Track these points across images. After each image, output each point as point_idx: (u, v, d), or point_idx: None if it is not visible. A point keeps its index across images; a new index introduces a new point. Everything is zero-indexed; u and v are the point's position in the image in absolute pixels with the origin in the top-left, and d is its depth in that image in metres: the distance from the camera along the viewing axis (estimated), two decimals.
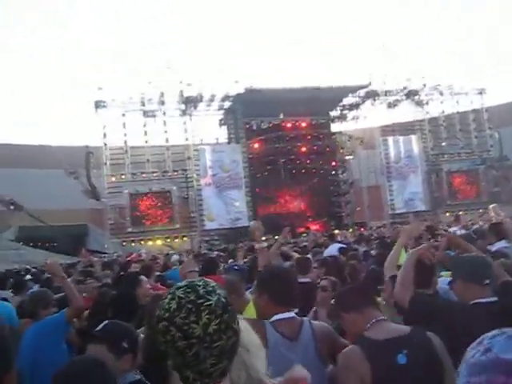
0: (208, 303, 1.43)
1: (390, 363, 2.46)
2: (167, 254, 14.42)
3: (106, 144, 28.25)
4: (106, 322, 2.88)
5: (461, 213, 30.46)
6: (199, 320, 1.41)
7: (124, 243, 27.66)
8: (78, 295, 4.27)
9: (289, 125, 30.85)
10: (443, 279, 4.20)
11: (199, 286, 1.47)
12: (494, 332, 1.15)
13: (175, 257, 13.12)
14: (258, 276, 3.35)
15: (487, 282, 3.08)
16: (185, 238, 28.77)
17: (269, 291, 3.07)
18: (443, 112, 33.96)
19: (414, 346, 2.54)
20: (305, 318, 3.10)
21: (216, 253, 13.85)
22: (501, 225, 6.69)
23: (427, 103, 33.63)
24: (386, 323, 2.72)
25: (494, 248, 6.23)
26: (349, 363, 2.53)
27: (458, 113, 34.04)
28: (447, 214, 31.20)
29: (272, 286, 3.08)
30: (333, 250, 8.63)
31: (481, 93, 34.07)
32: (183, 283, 1.48)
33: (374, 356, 2.48)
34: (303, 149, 31.89)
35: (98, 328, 2.82)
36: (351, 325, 2.77)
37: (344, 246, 9.34)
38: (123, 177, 28.47)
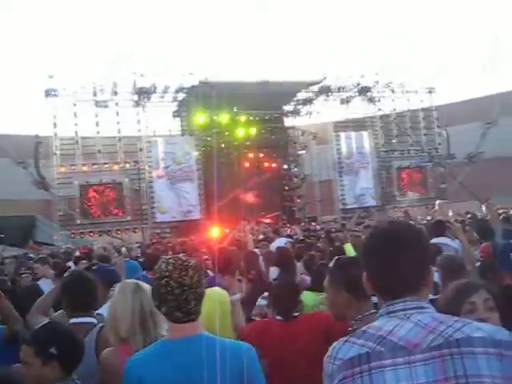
0: (190, 264, 2.36)
1: None
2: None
3: (56, 134, 27.64)
4: (44, 323, 2.85)
5: (412, 208, 31.26)
6: (187, 274, 2.30)
7: (73, 235, 27.23)
8: (17, 315, 3.98)
9: (242, 118, 30.85)
10: None
11: (179, 257, 2.43)
12: (334, 344, 1.64)
13: (123, 249, 13.02)
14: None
15: None
16: (136, 231, 28.53)
17: (68, 296, 3.60)
18: (394, 109, 34.54)
19: None
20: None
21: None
22: (441, 222, 6.96)
23: (379, 100, 34.09)
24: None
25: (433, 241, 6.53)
26: None
27: (408, 110, 34.68)
28: (396, 210, 31.90)
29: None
30: (278, 243, 8.80)
31: (430, 92, 34.81)
32: (165, 258, 2.41)
33: None
34: (256, 143, 32.00)
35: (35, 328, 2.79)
36: (343, 304, 2.78)
37: (289, 240, 9.53)
38: (73, 167, 27.92)
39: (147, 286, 2.90)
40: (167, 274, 2.28)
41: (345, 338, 1.61)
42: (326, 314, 3.53)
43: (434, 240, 6.75)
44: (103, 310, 3.84)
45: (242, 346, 2.44)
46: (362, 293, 2.66)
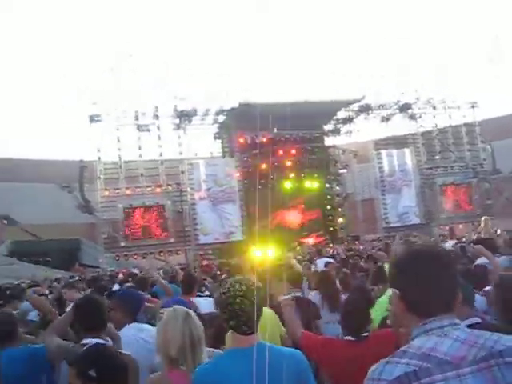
0: (258, 286, 2.77)
1: None
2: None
3: (99, 158, 28.20)
4: (89, 345, 2.92)
5: (457, 226, 30.66)
6: (258, 295, 2.68)
7: (117, 258, 27.59)
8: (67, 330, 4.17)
9: (283, 139, 30.89)
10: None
11: (248, 279, 2.84)
12: (375, 366, 1.66)
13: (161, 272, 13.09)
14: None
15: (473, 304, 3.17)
16: (179, 252, 28.71)
17: (79, 318, 3.91)
18: (436, 125, 34.09)
19: None
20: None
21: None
22: (484, 240, 6.78)
23: (420, 117, 33.75)
24: None
25: (478, 262, 6.35)
26: None
27: (450, 126, 34.16)
28: (441, 227, 31.33)
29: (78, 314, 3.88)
30: (320, 264, 8.77)
31: (473, 106, 34.19)
32: (236, 279, 2.82)
33: None
34: (297, 163, 31.96)
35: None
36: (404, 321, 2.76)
37: (330, 260, 9.47)
38: (117, 191, 28.39)
39: (194, 315, 3.17)
40: (242, 293, 2.68)
41: (385, 360, 1.65)
42: (392, 331, 3.52)
43: (479, 260, 6.57)
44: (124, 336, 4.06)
45: (296, 353, 2.87)
46: (424, 312, 2.67)
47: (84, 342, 3.59)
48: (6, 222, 30.79)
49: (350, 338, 3.74)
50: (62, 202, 29.56)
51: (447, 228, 29.22)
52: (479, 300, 4.47)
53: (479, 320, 3.10)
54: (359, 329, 3.74)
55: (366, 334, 3.72)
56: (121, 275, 15.70)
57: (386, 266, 5.72)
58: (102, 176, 28.26)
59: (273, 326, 4.69)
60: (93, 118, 27.92)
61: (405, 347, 1.67)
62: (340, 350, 3.68)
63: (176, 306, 3.28)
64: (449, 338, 1.63)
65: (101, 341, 3.56)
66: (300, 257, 15.65)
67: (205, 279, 8.85)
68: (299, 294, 6.13)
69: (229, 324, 2.72)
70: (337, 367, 3.61)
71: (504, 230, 16.28)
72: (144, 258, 27.46)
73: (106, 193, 28.29)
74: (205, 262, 23.01)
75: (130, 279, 10.35)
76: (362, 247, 21.16)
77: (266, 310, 4.69)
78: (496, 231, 16.12)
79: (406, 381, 1.55)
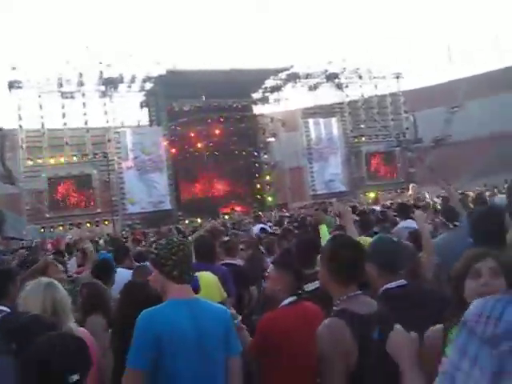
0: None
1: (369, 339, 2.36)
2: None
3: (21, 126, 27.17)
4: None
5: (379, 193, 31.65)
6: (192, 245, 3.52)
7: (43, 229, 26.85)
8: None
9: (211, 107, 30.71)
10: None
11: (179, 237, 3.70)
12: (489, 302, 1.29)
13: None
14: None
15: (401, 272, 3.12)
16: (106, 222, 28.25)
17: None
18: (362, 95, 34.79)
19: (385, 322, 2.39)
20: None
21: None
22: (407, 205, 7.03)
23: (347, 86, 34.31)
24: (363, 297, 2.60)
25: (400, 225, 6.61)
26: (337, 339, 2.36)
27: (376, 96, 34.94)
28: (366, 194, 32.23)
29: None
30: (256, 230, 8.87)
31: (397, 77, 35.12)
32: (170, 237, 3.10)
33: (359, 331, 2.35)
34: (225, 131, 31.91)
35: None
36: (330, 281, 2.62)
37: (264, 226, 9.57)
38: (40, 160, 27.53)
39: (58, 284, 3.23)
40: (184, 243, 2.93)
41: (505, 298, 1.29)
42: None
43: (402, 224, 6.82)
44: None
45: (224, 308, 3.09)
46: (349, 278, 2.58)
47: None
48: None
49: (290, 299, 3.40)
50: None
51: (372, 195, 30.09)
52: None
53: (405, 282, 3.09)
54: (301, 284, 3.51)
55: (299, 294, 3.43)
56: (49, 245, 15.38)
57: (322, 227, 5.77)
58: (24, 145, 27.28)
59: (213, 291, 4.69)
60: (12, 84, 26.80)
61: None
62: (284, 318, 3.34)
63: (40, 278, 3.37)
64: None
65: (3, 308, 3.59)
66: (229, 225, 15.71)
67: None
68: (235, 262, 6.17)
69: (172, 274, 2.82)
70: (283, 338, 3.26)
71: (431, 198, 16.70)
72: (71, 229, 26.87)
73: (29, 162, 27.39)
74: (138, 236, 22.75)
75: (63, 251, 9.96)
76: (288, 214, 21.44)
77: (208, 275, 4.76)
78: (424, 197, 16.72)
79: None
